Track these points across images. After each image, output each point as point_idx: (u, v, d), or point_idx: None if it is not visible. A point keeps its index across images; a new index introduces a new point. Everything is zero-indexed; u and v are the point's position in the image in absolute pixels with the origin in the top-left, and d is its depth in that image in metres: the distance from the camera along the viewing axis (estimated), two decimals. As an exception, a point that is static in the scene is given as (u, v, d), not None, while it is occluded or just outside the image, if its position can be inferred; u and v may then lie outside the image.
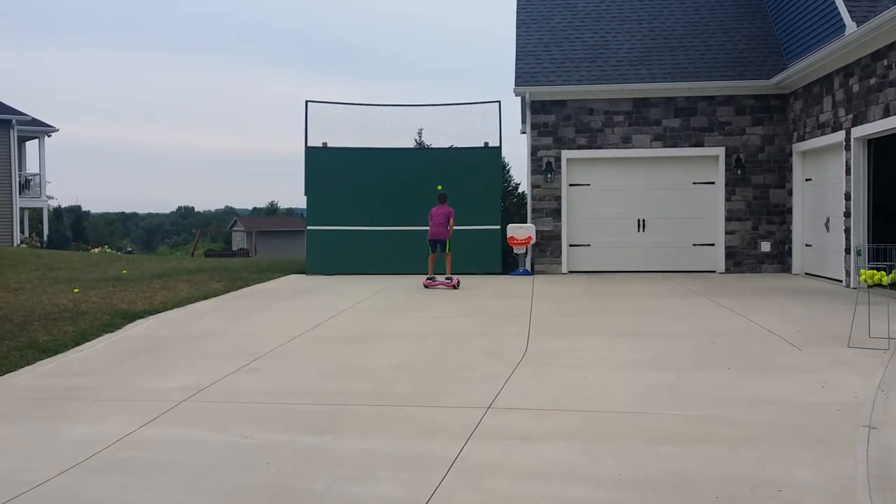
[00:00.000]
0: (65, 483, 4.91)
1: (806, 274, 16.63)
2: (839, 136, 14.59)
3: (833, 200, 15.12)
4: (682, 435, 5.65)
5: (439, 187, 15.81)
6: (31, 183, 35.29)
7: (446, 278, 14.96)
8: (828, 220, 15.47)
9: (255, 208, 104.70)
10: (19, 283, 15.18)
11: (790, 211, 17.18)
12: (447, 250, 15.20)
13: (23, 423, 6.24)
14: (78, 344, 9.34)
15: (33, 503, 4.61)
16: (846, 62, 14.27)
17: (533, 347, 8.91)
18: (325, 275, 17.34)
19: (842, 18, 14.25)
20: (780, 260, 17.46)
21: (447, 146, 19.38)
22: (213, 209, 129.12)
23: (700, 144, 17.63)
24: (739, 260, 17.57)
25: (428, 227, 15.47)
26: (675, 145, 17.66)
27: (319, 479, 4.91)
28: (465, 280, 16.19)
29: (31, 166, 36.71)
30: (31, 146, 36.62)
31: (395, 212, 17.95)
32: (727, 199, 17.58)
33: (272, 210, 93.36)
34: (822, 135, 15.47)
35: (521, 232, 17.60)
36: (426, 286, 14.76)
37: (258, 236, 56.64)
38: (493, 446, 5.47)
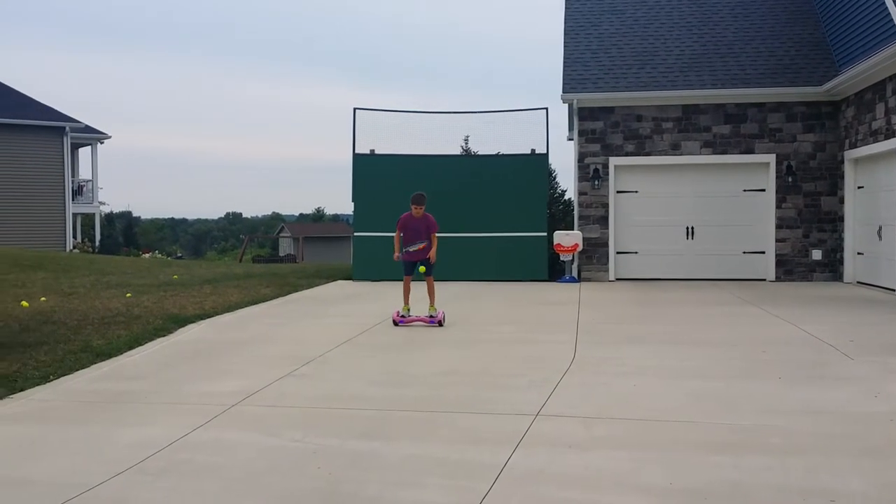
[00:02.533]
0: (118, 486, 5.00)
1: (858, 283, 16.33)
2: (892, 143, 14.32)
3: (886, 208, 14.85)
4: (732, 444, 5.59)
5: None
6: (84, 189, 36.06)
7: (429, 314, 11.26)
8: (880, 228, 15.19)
9: (301, 214, 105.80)
10: (73, 288, 15.50)
11: (842, 219, 16.90)
12: (429, 273, 11.50)
13: (78, 426, 6.37)
14: (131, 348, 9.51)
15: (90, 504, 4.71)
16: (900, 68, 14.02)
17: (581, 355, 8.87)
18: (372, 281, 17.44)
19: (894, 24, 14.00)
20: (832, 268, 17.17)
21: (494, 153, 19.39)
22: (260, 215, 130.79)
23: (750, 151, 17.43)
24: (790, 268, 17.31)
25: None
26: (724, 152, 17.48)
27: (369, 484, 4.95)
28: (511, 287, 16.17)
29: (84, 173, 37.52)
30: (84, 153, 37.41)
31: (442, 218, 17.85)
32: (778, 207, 17.35)
33: (318, 216, 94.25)
34: (874, 142, 15.19)
35: (568, 239, 17.54)
36: (396, 322, 11.15)
37: (305, 242, 57.14)
38: (542, 453, 5.47)
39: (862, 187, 16.36)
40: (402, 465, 5.31)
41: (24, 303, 12.89)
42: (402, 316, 11.17)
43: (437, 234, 11.44)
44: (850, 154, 16.53)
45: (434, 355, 9.01)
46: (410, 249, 11.41)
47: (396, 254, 11.47)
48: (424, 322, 11.06)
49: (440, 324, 10.95)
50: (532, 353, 9.14)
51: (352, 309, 13.08)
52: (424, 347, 9.53)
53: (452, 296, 14.79)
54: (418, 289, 11.66)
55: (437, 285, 11.77)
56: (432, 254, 11.32)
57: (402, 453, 5.55)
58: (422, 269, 11.30)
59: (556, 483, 4.93)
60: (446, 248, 17.77)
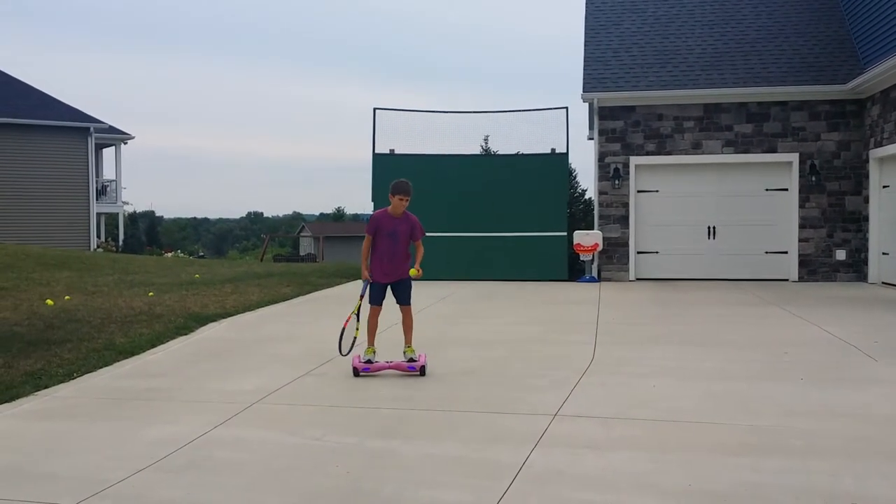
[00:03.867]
0: (140, 482, 5.05)
1: (883, 283, 16.17)
2: (918, 141, 14.17)
3: (912, 208, 14.69)
4: (753, 446, 5.55)
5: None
6: (108, 189, 36.38)
7: (407, 357, 8.05)
8: (906, 228, 15.03)
9: (321, 214, 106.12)
10: (96, 287, 15.63)
11: (866, 218, 16.74)
12: (407, 301, 8.23)
13: (101, 423, 6.43)
14: (153, 346, 9.58)
15: (110, 502, 4.74)
16: (926, 66, 13.87)
17: (600, 355, 8.84)
18: (392, 280, 17.45)
19: (921, 21, 13.87)
20: (856, 269, 17.01)
21: (513, 152, 19.37)
22: (281, 214, 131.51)
23: (773, 150, 17.30)
24: (813, 268, 17.17)
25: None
26: (746, 151, 17.36)
27: (388, 482, 4.96)
28: (531, 287, 16.12)
29: (108, 173, 37.82)
30: (108, 153, 37.73)
31: (461, 218, 17.98)
32: (801, 206, 17.21)
33: (339, 215, 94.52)
34: (900, 140, 15.04)
35: (588, 239, 17.49)
36: (358, 371, 7.90)
37: (325, 241, 57.30)
38: (560, 454, 5.46)
39: (887, 186, 16.19)
40: (421, 463, 5.31)
41: (49, 301, 13.02)
42: (368, 361, 7.99)
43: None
44: (875, 153, 16.37)
45: (453, 355, 9.01)
46: (384, 265, 8.06)
47: (365, 272, 8.10)
48: (400, 370, 7.92)
49: (422, 371, 7.85)
50: (551, 353, 9.12)
51: (372, 308, 13.08)
52: (443, 347, 9.53)
53: (471, 295, 14.78)
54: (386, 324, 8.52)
55: (456, 285, 11.39)
56: (417, 268, 7.98)
57: (421, 452, 5.55)
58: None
59: (574, 484, 4.92)
60: (466, 248, 17.82)
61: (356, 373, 7.85)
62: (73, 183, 32.95)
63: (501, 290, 15.69)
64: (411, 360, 8.00)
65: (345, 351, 7.94)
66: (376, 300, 8.12)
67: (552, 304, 13.74)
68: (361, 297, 8.09)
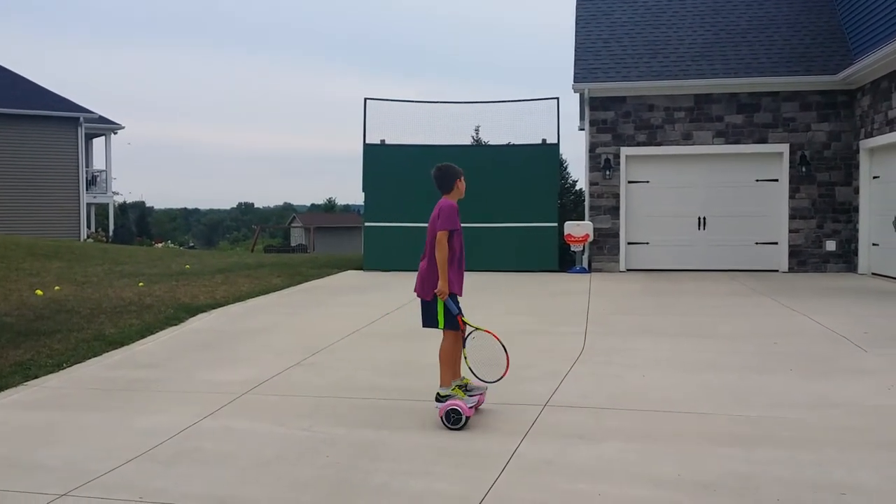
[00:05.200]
0: (129, 472, 5.04)
1: (873, 274, 16.23)
2: (908, 132, 14.20)
3: (901, 199, 14.73)
4: (743, 436, 5.57)
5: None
6: (98, 179, 36.21)
7: (437, 397, 6.14)
8: (896, 218, 15.09)
9: (313, 204, 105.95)
10: (86, 277, 15.57)
11: (857, 209, 16.78)
12: (440, 324, 6.21)
13: (91, 414, 6.41)
14: (143, 336, 9.56)
15: (99, 492, 4.73)
16: (916, 57, 13.89)
17: (590, 346, 8.85)
18: (383, 271, 17.45)
19: (912, 12, 13.88)
20: (846, 259, 17.06)
21: (504, 143, 19.33)
22: (272, 205, 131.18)
23: (764, 141, 17.31)
24: (803, 259, 17.21)
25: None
26: (737, 142, 17.37)
27: (377, 473, 4.96)
28: (522, 278, 16.13)
29: (98, 163, 37.65)
30: (98, 143, 37.55)
31: (453, 208, 17.91)
32: (791, 197, 17.24)
33: (330, 206, 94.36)
34: (890, 131, 15.06)
35: (579, 229, 17.49)
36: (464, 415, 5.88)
37: (316, 232, 57.27)
38: (550, 444, 5.46)
39: (877, 177, 16.23)
40: (411, 454, 5.31)
41: (39, 291, 12.97)
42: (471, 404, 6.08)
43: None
44: (865, 143, 16.40)
45: (444, 345, 8.99)
46: (460, 272, 6.44)
47: (445, 287, 6.10)
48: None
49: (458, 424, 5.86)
50: (542, 343, 9.12)
51: (361, 299, 13.09)
52: (433, 338, 9.49)
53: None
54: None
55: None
56: (439, 260, 6.12)
57: (411, 442, 5.55)
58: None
59: (564, 473, 4.93)
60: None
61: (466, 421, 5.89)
62: (62, 173, 32.77)
63: (492, 280, 15.69)
64: (443, 397, 6.11)
65: (488, 377, 6.13)
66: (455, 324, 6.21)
67: (542, 294, 13.75)
68: (460, 316, 6.17)
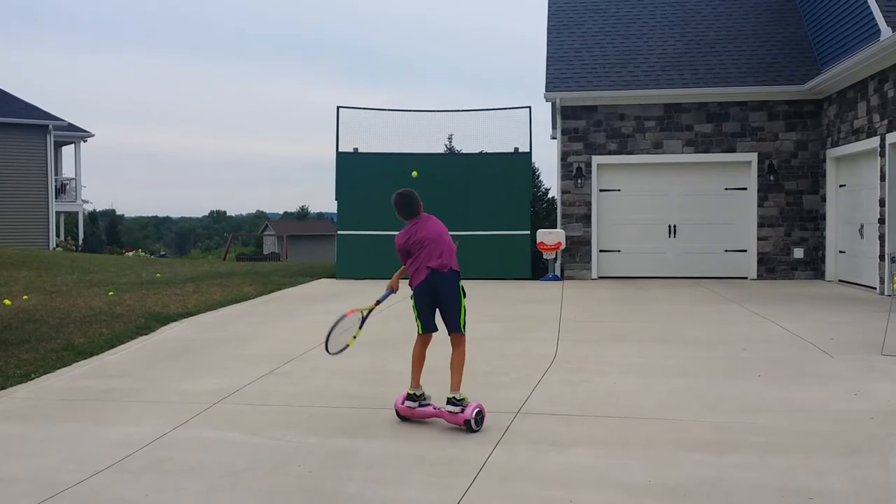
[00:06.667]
0: (99, 484, 4.99)
1: (839, 281, 16.44)
2: (874, 141, 14.43)
3: (867, 207, 14.95)
4: (712, 442, 5.63)
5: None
6: (67, 187, 35.82)
7: (452, 401, 6.10)
8: (862, 226, 15.30)
9: (285, 212, 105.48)
10: (55, 286, 15.41)
11: (823, 217, 17.01)
12: (462, 328, 6.46)
13: (60, 425, 6.35)
14: (113, 346, 9.47)
15: (69, 503, 4.69)
16: (881, 67, 14.11)
17: (562, 353, 8.90)
18: (356, 279, 17.42)
19: (877, 24, 14.11)
20: (814, 266, 17.28)
21: (477, 151, 19.40)
22: (244, 213, 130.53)
23: (732, 150, 17.51)
24: (772, 266, 17.41)
25: (451, 234, 7.05)
26: (706, 151, 17.55)
27: (350, 481, 4.96)
28: (494, 286, 16.16)
29: (67, 171, 37.27)
30: (68, 151, 37.17)
31: (426, 217, 17.93)
32: (759, 205, 17.44)
33: (303, 214, 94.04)
34: (856, 140, 15.30)
35: (551, 237, 17.57)
36: (403, 415, 6.33)
37: (289, 240, 56.99)
38: (522, 451, 5.49)
39: (844, 185, 16.47)
40: (384, 462, 5.32)
41: (7, 301, 12.81)
42: (413, 396, 6.36)
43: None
44: (832, 152, 16.64)
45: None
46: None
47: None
48: (446, 418, 6.12)
49: (473, 426, 5.98)
50: (514, 350, 9.16)
51: (334, 307, 13.03)
52: (406, 346, 9.49)
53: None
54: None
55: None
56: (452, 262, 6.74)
57: (384, 451, 5.56)
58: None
59: (536, 480, 4.95)
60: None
61: (401, 416, 6.36)
62: (31, 181, 32.40)
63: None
64: (456, 400, 6.13)
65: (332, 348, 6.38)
66: (425, 325, 6.63)
67: (515, 302, 13.80)
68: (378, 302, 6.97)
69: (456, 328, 6.41)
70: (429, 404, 6.32)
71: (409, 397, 6.31)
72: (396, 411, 6.34)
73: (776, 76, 17.40)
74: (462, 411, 6.00)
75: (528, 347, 9.32)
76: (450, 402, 6.09)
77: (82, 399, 7.13)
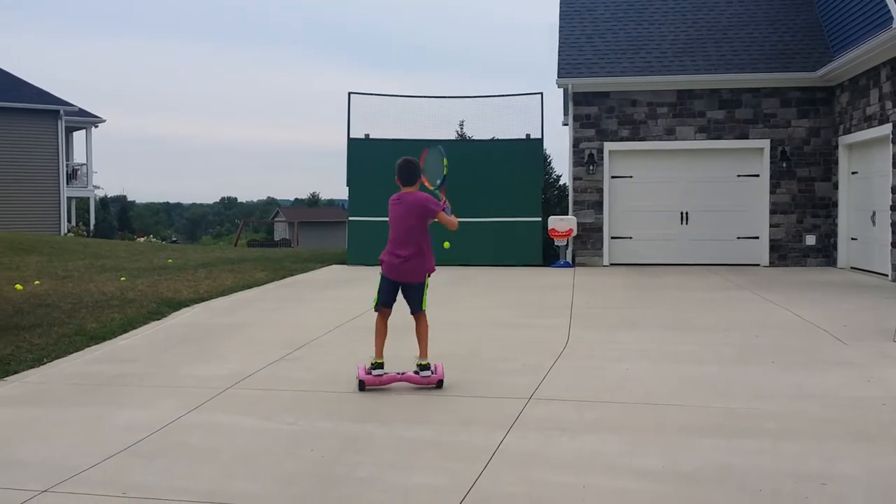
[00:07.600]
0: (111, 468, 5.00)
1: (851, 268, 16.37)
2: (886, 128, 14.33)
3: (879, 194, 14.86)
4: (725, 428, 5.61)
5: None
6: (79, 173, 35.95)
7: (419, 366, 6.80)
8: (874, 213, 15.21)
9: (296, 199, 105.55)
10: (67, 272, 15.47)
11: (836, 204, 16.92)
12: (423, 306, 7.03)
13: (72, 409, 6.37)
14: (125, 331, 9.50)
15: (81, 488, 4.69)
16: (894, 54, 13.98)
17: (574, 339, 8.89)
18: (367, 265, 17.42)
19: (889, 11, 13.97)
20: (825, 253, 17.21)
21: (489, 138, 19.34)
22: (255, 200, 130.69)
23: (745, 137, 17.42)
24: (784, 253, 17.34)
25: (463, 220, 7.88)
26: (719, 137, 17.47)
27: (362, 466, 4.97)
28: (506, 272, 16.15)
29: (79, 156, 37.38)
30: (79, 136, 37.26)
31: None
32: (772, 192, 17.36)
33: (314, 201, 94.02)
34: (868, 128, 15.20)
35: (562, 224, 17.54)
36: (366, 383, 6.75)
37: (300, 227, 57.07)
38: (534, 437, 5.48)
39: (856, 173, 16.37)
40: (396, 447, 5.32)
41: (19, 286, 12.87)
42: (375, 365, 6.88)
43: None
44: (844, 140, 16.53)
45: (428, 339, 9.00)
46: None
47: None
48: (413, 381, 6.80)
49: (438, 385, 6.79)
50: (526, 336, 9.15)
51: (345, 293, 13.07)
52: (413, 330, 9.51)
53: (445, 280, 14.78)
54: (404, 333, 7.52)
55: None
56: (425, 246, 7.28)
57: (396, 436, 5.56)
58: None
59: (548, 466, 4.95)
60: (440, 232, 17.77)
61: (364, 384, 6.78)
62: (42, 166, 32.51)
63: (476, 275, 15.71)
64: (424, 365, 6.83)
65: None
66: (385, 300, 7.20)
67: (527, 288, 13.78)
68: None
69: (418, 310, 7.03)
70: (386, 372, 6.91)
71: (376, 366, 6.87)
72: (361, 381, 6.78)
73: (788, 63, 17.28)
74: (434, 373, 6.78)
75: (540, 334, 9.31)
76: (421, 367, 6.81)
77: (94, 384, 7.16)
